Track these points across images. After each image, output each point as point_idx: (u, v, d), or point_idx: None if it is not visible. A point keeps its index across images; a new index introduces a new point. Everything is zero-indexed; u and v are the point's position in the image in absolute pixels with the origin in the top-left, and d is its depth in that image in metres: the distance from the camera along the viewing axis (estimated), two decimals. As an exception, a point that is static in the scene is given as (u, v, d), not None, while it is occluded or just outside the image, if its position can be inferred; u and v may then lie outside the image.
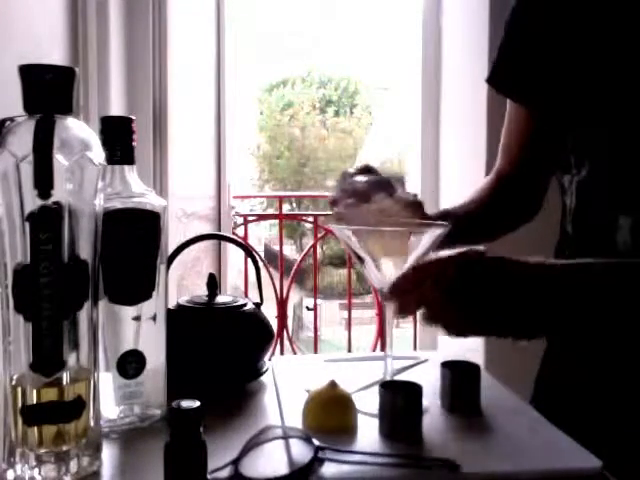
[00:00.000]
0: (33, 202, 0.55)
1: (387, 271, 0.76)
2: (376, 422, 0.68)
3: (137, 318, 0.70)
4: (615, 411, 0.77)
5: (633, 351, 0.75)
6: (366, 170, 0.83)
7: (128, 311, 0.70)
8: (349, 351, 2.98)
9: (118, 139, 0.70)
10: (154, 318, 0.71)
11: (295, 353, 2.95)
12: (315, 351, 2.99)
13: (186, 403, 0.54)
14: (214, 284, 0.86)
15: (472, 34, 1.96)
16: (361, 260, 0.75)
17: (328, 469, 0.60)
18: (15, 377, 0.58)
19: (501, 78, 0.92)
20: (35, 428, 0.57)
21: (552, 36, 0.82)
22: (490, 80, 0.93)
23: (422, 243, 0.74)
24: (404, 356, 0.93)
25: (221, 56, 2.43)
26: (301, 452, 0.62)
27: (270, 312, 1.94)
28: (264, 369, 0.85)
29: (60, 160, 0.55)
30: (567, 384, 0.84)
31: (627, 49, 0.75)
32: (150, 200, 0.70)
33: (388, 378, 0.76)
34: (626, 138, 0.75)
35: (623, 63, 0.75)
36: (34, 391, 0.57)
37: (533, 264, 0.65)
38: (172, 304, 0.83)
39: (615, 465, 0.61)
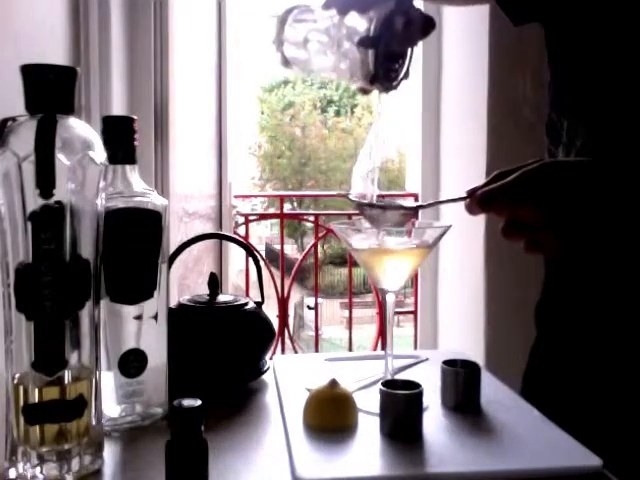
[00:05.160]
0: (35, 201, 0.55)
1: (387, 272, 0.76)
2: (377, 421, 0.68)
3: (139, 317, 0.70)
4: (610, 407, 0.76)
5: (627, 345, 0.74)
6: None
7: (130, 310, 0.70)
8: (350, 350, 2.98)
9: (120, 139, 0.70)
10: (155, 317, 0.72)
11: (296, 352, 2.95)
12: (316, 350, 2.99)
13: (187, 402, 0.54)
14: (215, 283, 0.86)
15: (472, 33, 1.96)
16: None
17: (327, 469, 0.60)
18: (17, 376, 0.58)
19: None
20: (37, 427, 0.57)
21: None
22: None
23: (423, 240, 0.74)
24: (404, 355, 0.93)
25: (222, 56, 2.43)
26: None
27: (271, 311, 1.95)
28: (265, 368, 0.85)
29: (62, 160, 0.55)
30: (556, 379, 0.83)
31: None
32: (151, 199, 0.71)
33: (389, 377, 0.76)
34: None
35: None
36: (36, 390, 0.57)
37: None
38: (173, 303, 0.83)
39: (612, 463, 0.61)
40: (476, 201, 0.64)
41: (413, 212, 0.73)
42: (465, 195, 0.65)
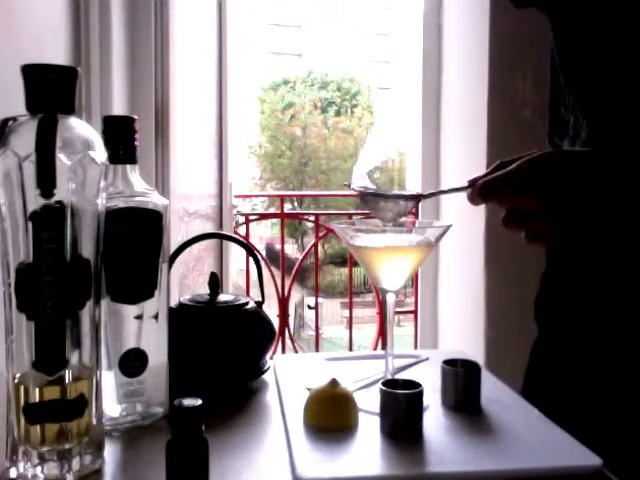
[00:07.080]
0: (36, 201, 0.55)
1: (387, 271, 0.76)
2: (377, 420, 0.68)
3: (139, 317, 0.70)
4: (610, 407, 0.76)
5: (628, 344, 0.74)
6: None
7: (130, 310, 0.70)
8: (350, 349, 2.99)
9: (120, 138, 0.70)
10: (156, 317, 0.72)
11: (296, 351, 2.95)
12: (316, 349, 2.99)
13: (188, 401, 0.54)
14: (216, 283, 0.86)
15: (473, 33, 1.96)
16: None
17: (327, 468, 0.60)
18: (18, 375, 0.58)
19: None
20: (38, 426, 0.57)
21: None
22: None
23: (423, 240, 0.74)
24: (405, 354, 0.94)
25: (223, 55, 2.44)
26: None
27: (272, 311, 1.95)
28: (266, 367, 0.85)
29: (62, 159, 0.55)
30: (556, 379, 0.83)
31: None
32: (152, 199, 0.71)
33: (389, 376, 0.76)
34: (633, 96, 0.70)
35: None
36: (37, 389, 0.57)
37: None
38: (174, 303, 0.83)
39: (612, 463, 0.61)
40: (477, 191, 0.64)
41: (415, 201, 0.73)
42: (466, 185, 0.65)
